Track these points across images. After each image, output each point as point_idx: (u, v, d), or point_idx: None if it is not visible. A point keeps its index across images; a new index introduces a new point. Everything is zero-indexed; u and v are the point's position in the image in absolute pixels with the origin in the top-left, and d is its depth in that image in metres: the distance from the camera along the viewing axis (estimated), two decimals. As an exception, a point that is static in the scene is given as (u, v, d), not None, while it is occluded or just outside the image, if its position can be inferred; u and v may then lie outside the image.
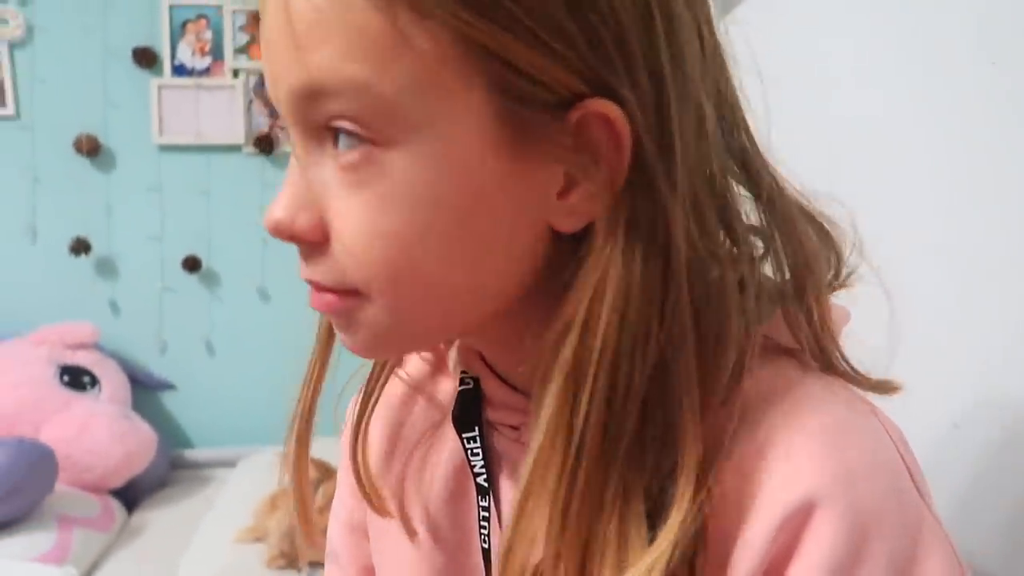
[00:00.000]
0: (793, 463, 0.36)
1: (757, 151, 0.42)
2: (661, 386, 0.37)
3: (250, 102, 2.34)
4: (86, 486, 1.93)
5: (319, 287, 0.39)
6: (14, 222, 2.29)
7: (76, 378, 2.09)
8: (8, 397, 1.96)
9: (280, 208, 0.38)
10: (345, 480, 0.59)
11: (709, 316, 0.37)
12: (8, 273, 2.29)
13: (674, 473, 0.36)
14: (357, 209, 0.36)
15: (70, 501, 1.85)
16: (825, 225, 0.43)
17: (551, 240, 0.39)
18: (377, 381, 0.52)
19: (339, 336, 0.42)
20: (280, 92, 0.37)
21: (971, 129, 0.58)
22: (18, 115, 2.27)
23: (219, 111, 2.33)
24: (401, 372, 0.54)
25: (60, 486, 1.83)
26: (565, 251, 0.38)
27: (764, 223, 0.41)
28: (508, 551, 0.38)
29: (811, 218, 0.43)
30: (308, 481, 0.51)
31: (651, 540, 0.36)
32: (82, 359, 2.14)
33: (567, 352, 0.36)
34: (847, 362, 0.42)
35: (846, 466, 0.36)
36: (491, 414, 0.47)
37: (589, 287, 0.36)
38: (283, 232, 0.38)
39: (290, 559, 1.63)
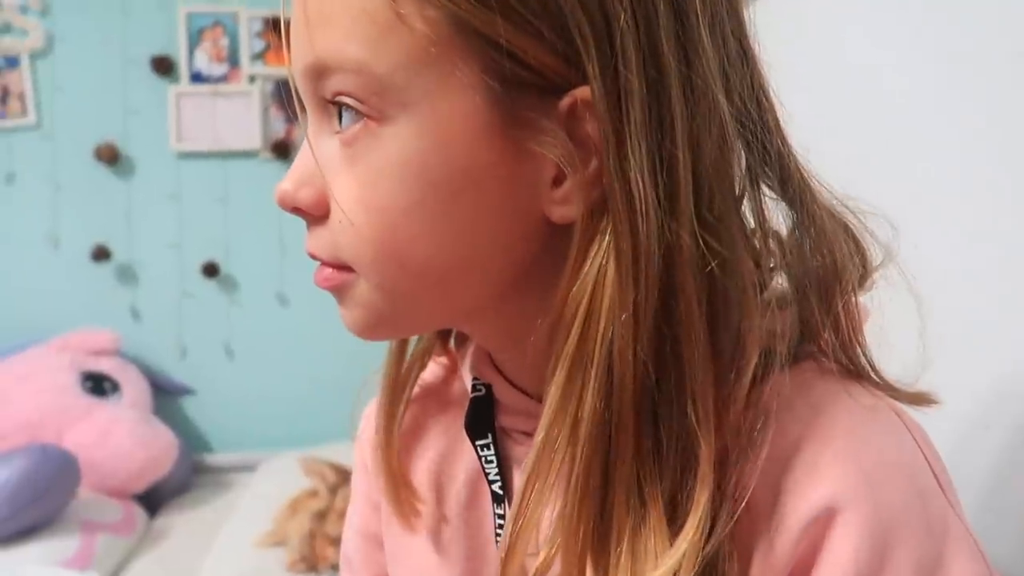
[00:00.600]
0: (815, 468, 0.36)
1: (791, 153, 0.41)
2: (673, 386, 0.36)
3: (267, 108, 2.36)
4: (109, 491, 1.94)
5: (320, 262, 0.41)
6: (36, 230, 2.31)
7: (98, 384, 2.11)
8: (31, 404, 1.98)
9: (287, 180, 0.40)
10: (360, 488, 0.58)
11: (727, 315, 0.37)
12: (30, 280, 2.31)
13: (693, 477, 0.36)
14: (353, 182, 0.38)
15: (93, 506, 1.86)
16: (855, 231, 0.42)
17: (546, 229, 0.38)
18: (403, 389, 0.51)
19: (343, 317, 0.42)
20: (296, 71, 0.39)
21: (996, 125, 0.57)
22: (39, 124, 2.30)
23: (236, 117, 2.34)
24: (425, 373, 0.53)
25: (83, 491, 1.84)
26: (563, 241, 0.37)
27: (794, 227, 0.41)
28: (512, 543, 0.38)
29: (843, 224, 0.42)
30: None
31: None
32: (104, 365, 2.16)
33: (569, 343, 0.36)
34: (876, 371, 0.41)
35: (868, 470, 0.35)
36: (504, 420, 0.47)
37: (585, 279, 0.36)
38: (287, 203, 0.40)
39: (310, 563, 1.63)
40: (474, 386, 0.48)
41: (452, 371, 0.54)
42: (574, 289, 0.36)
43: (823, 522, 0.35)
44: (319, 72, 0.38)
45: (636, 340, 0.35)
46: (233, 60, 2.34)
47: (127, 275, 2.36)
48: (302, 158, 0.40)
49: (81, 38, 2.29)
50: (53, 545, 1.70)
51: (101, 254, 2.31)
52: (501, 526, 0.47)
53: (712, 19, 0.37)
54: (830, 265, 0.40)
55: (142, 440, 1.99)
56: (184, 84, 2.33)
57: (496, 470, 0.47)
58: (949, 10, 0.62)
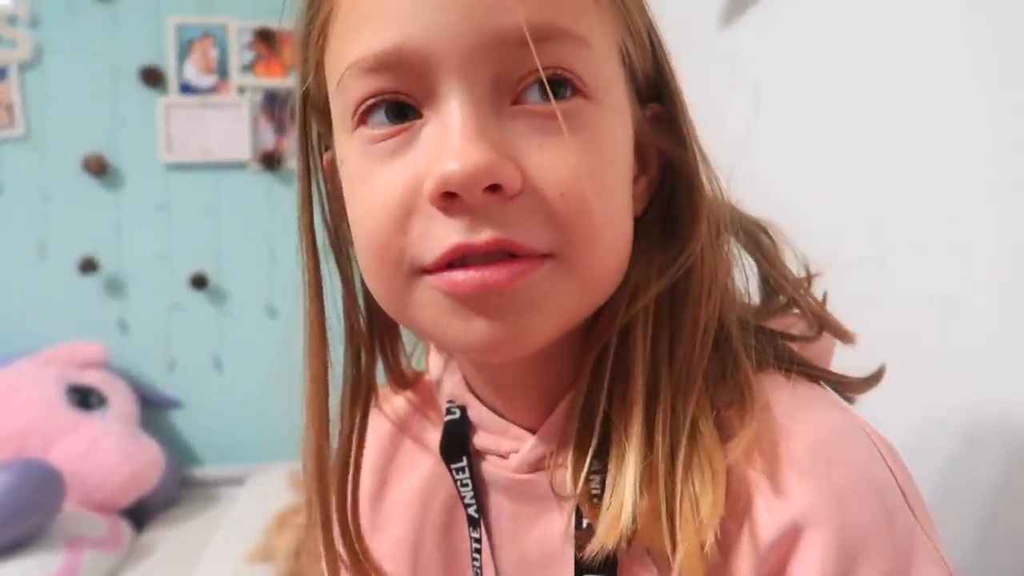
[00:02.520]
0: (784, 485, 0.36)
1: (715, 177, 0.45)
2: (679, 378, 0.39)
3: (256, 119, 2.35)
4: (94, 506, 1.92)
5: (512, 248, 0.35)
6: (24, 241, 2.30)
7: (84, 397, 2.09)
8: (17, 417, 1.96)
9: (480, 151, 0.34)
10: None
11: (715, 310, 0.41)
12: (18, 292, 2.29)
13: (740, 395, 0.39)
14: (568, 153, 0.35)
15: (78, 521, 1.84)
16: (774, 237, 0.46)
17: None
18: (350, 453, 0.49)
19: (477, 333, 0.37)
20: (464, 34, 0.35)
21: (979, 136, 0.58)
22: (28, 135, 2.29)
23: (226, 129, 2.34)
24: (387, 410, 0.53)
25: (68, 506, 1.82)
26: None
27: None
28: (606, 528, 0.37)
29: (764, 230, 0.46)
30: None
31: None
32: (91, 378, 2.14)
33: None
34: (844, 381, 0.44)
35: (836, 488, 0.35)
36: (479, 443, 0.46)
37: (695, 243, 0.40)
38: (491, 176, 0.34)
39: (299, 578, 1.61)
40: (448, 410, 0.48)
41: (423, 403, 0.53)
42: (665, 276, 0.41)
43: (791, 538, 0.35)
44: (548, 36, 0.35)
45: (723, 312, 0.41)
46: (222, 71, 2.34)
47: (115, 287, 2.35)
48: (479, 131, 0.35)
49: (70, 49, 2.29)
50: (37, 561, 1.68)
51: (89, 266, 2.30)
52: (478, 550, 0.46)
53: None
54: (775, 272, 0.45)
55: (128, 454, 1.97)
56: (173, 95, 2.33)
57: (471, 493, 0.46)
58: (931, 18, 0.63)
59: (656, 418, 0.38)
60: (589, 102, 0.37)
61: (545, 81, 0.35)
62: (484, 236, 0.35)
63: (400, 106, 0.37)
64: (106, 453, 1.94)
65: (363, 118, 0.38)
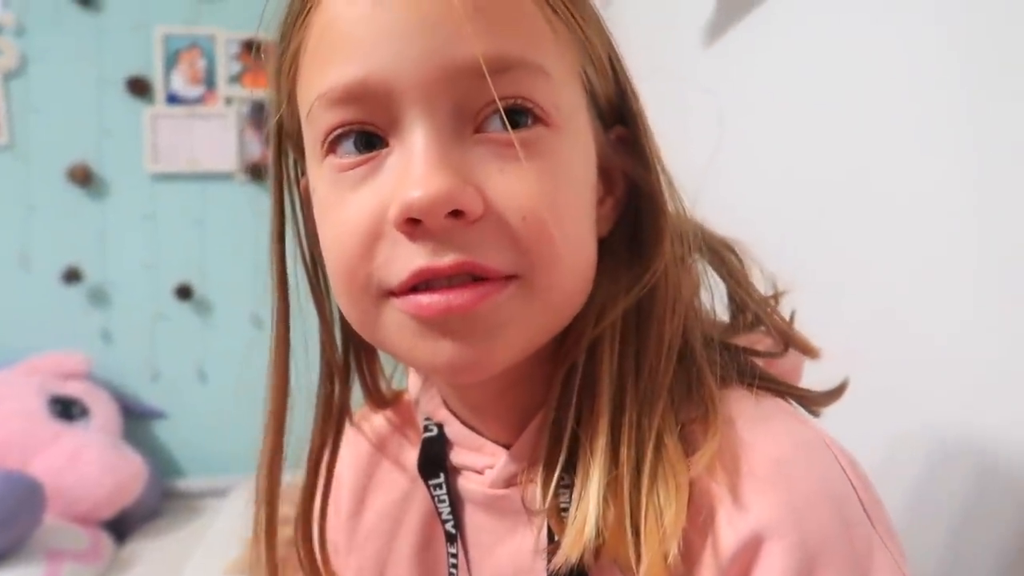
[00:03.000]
0: (744, 497, 0.36)
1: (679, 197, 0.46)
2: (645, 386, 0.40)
3: (243, 130, 2.35)
4: (75, 518, 1.90)
5: (476, 271, 0.36)
6: (7, 251, 2.28)
7: (66, 408, 2.07)
8: (-2, 429, 1.94)
9: (441, 179, 0.35)
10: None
11: (680, 326, 0.41)
12: (0, 302, 2.27)
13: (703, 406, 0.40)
14: (529, 178, 0.37)
15: (59, 534, 1.82)
16: (741, 256, 0.47)
17: None
18: (319, 470, 0.50)
19: (443, 355, 0.38)
20: (425, 66, 0.36)
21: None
22: (12, 144, 2.27)
23: (212, 139, 2.34)
24: (366, 429, 0.54)
25: (49, 518, 1.80)
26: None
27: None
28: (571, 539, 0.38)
29: (731, 249, 0.47)
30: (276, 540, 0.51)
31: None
32: (73, 389, 2.13)
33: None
34: (789, 387, 0.45)
35: (795, 500, 0.36)
36: (456, 459, 0.47)
37: (659, 261, 0.41)
38: (453, 202, 0.35)
39: (282, 591, 1.60)
40: (426, 427, 0.49)
41: (402, 423, 0.54)
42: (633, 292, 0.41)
43: (752, 549, 0.35)
44: (503, 68, 0.36)
45: (687, 331, 0.42)
46: (210, 82, 2.34)
47: (99, 297, 2.33)
48: (440, 159, 0.36)
49: (56, 58, 2.28)
50: (17, 574, 1.66)
51: (73, 276, 2.29)
52: (455, 565, 0.47)
53: None
54: (741, 290, 0.46)
55: (110, 466, 1.95)
56: (160, 105, 2.32)
57: (448, 509, 0.47)
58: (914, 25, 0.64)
59: (622, 432, 0.39)
60: (549, 129, 0.38)
61: (502, 112, 0.36)
62: (447, 260, 0.36)
63: (367, 136, 0.38)
64: (88, 465, 1.93)
65: (332, 147, 0.39)
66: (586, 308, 0.41)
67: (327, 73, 0.38)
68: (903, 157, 0.64)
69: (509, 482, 0.44)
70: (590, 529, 0.36)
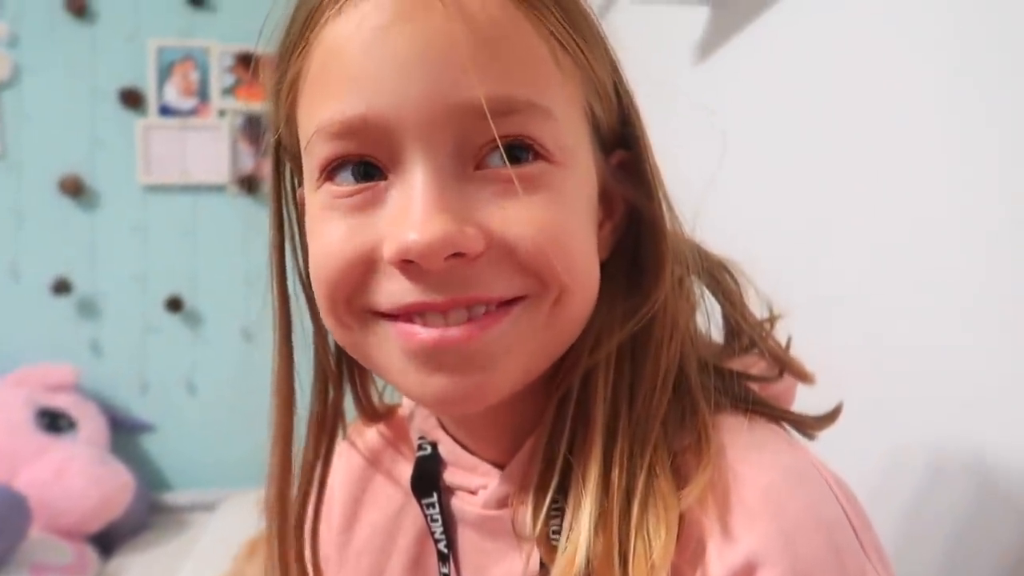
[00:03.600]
0: (736, 523, 0.36)
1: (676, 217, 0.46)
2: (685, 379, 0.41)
3: (235, 142, 2.35)
4: (61, 532, 1.88)
5: (476, 302, 0.36)
6: (-4, 262, 2.27)
7: (54, 421, 2.05)
8: (-17, 440, 1.92)
9: (442, 223, 0.35)
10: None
11: (676, 355, 0.41)
12: (-12, 313, 2.26)
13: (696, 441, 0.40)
14: (533, 209, 0.37)
15: (44, 548, 1.80)
16: (737, 278, 0.47)
17: None
18: (314, 467, 0.50)
19: (433, 387, 0.38)
20: (425, 105, 0.35)
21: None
22: (4, 155, 2.27)
23: (205, 151, 2.34)
24: (359, 443, 0.54)
25: (34, 532, 1.78)
26: None
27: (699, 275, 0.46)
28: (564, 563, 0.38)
29: (728, 270, 0.47)
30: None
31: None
32: (61, 401, 2.11)
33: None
34: (784, 412, 0.45)
35: (787, 526, 0.36)
36: (449, 479, 0.47)
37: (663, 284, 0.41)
38: (452, 246, 0.35)
39: (270, 606, 1.58)
40: (419, 446, 0.49)
41: (395, 437, 0.54)
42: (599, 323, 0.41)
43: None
44: (507, 109, 0.35)
45: (683, 358, 0.41)
46: (203, 94, 2.34)
47: (89, 308, 2.32)
48: (438, 199, 0.35)
49: (49, 69, 2.28)
50: (0, 588, 1.64)
51: (62, 287, 2.27)
52: None
53: None
54: (737, 313, 0.46)
55: (97, 479, 1.93)
56: (152, 117, 2.32)
57: (441, 528, 0.47)
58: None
59: (613, 462, 0.38)
60: (552, 165, 0.37)
61: (503, 152, 0.36)
62: (443, 297, 0.36)
63: (367, 165, 0.37)
64: (74, 478, 1.91)
65: (330, 176, 0.38)
66: (583, 334, 0.41)
67: (327, 105, 0.37)
68: (893, 172, 0.65)
69: (502, 503, 0.44)
70: (580, 560, 0.36)
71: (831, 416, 0.47)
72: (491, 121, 0.34)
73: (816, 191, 0.76)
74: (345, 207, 0.38)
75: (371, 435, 0.55)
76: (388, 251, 0.36)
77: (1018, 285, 0.51)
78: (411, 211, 0.35)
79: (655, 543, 0.36)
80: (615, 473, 0.38)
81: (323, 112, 0.37)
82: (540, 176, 0.37)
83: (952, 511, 0.56)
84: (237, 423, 2.30)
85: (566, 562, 0.37)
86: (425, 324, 0.37)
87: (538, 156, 0.37)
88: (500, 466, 0.45)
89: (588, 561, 0.36)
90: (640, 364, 0.41)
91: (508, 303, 0.37)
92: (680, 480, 0.38)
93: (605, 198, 0.42)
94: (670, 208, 0.43)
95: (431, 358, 0.37)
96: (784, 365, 0.45)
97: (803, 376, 0.46)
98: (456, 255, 0.35)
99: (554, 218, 0.37)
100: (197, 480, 2.34)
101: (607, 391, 0.40)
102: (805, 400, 0.47)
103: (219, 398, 2.36)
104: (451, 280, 0.36)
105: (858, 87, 0.70)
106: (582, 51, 0.39)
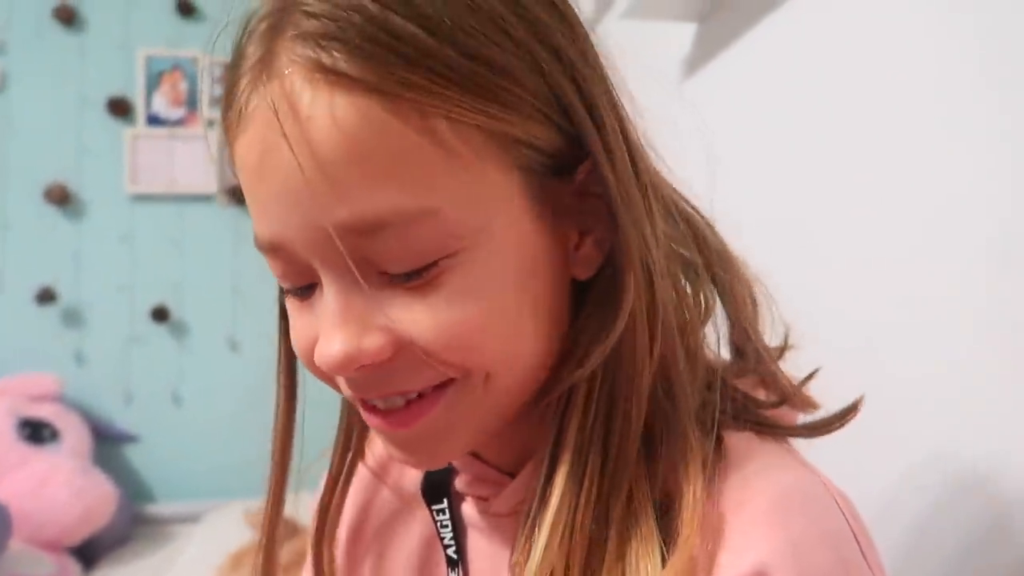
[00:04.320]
0: (746, 536, 0.36)
1: (703, 218, 0.45)
2: (665, 433, 0.39)
3: (224, 152, 2.35)
4: (42, 544, 1.86)
5: (402, 395, 0.38)
6: (-21, 270, 2.25)
7: (36, 431, 2.03)
8: (-36, 451, 1.90)
9: (339, 341, 0.36)
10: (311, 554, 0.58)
11: (696, 369, 0.40)
12: (-30, 322, 2.24)
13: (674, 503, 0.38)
14: (437, 308, 0.36)
15: (24, 560, 1.78)
16: (759, 294, 0.46)
17: (571, 292, 0.41)
18: (339, 477, 0.51)
19: (396, 455, 0.41)
20: (306, 231, 0.35)
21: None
22: (-12, 163, 2.25)
23: (193, 161, 2.33)
24: (368, 454, 0.54)
25: (14, 544, 1.76)
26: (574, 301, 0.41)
27: (709, 287, 0.44)
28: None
29: (750, 286, 0.46)
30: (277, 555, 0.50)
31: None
32: (43, 411, 2.09)
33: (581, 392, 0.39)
34: (793, 428, 0.44)
35: (795, 539, 0.36)
36: (460, 485, 0.47)
37: (601, 329, 0.39)
38: (354, 363, 0.36)
39: (254, 619, 1.57)
40: None
41: None
42: (612, 332, 0.38)
43: None
44: (368, 230, 0.34)
45: (650, 383, 0.39)
46: (192, 104, 2.34)
47: (73, 318, 2.30)
48: (335, 314, 0.36)
49: (37, 77, 2.27)
50: (-21, 601, 1.62)
51: (46, 296, 2.25)
52: None
53: (624, 108, 0.42)
54: (747, 327, 0.45)
55: (79, 490, 1.91)
56: (140, 126, 2.31)
57: (451, 534, 0.47)
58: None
59: (583, 483, 0.38)
60: (453, 257, 0.36)
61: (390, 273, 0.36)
62: (372, 394, 0.39)
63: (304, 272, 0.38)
64: (56, 489, 1.89)
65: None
66: (571, 350, 0.40)
67: (253, 217, 0.38)
68: (879, 188, 0.65)
69: (513, 510, 0.44)
70: (530, 570, 0.37)
71: (840, 417, 0.46)
72: (364, 240, 0.35)
73: (802, 206, 0.77)
74: (296, 303, 0.40)
75: (378, 443, 0.55)
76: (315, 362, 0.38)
77: None
78: (323, 324, 0.37)
79: (642, 565, 0.36)
80: (583, 495, 0.38)
81: (253, 221, 0.39)
82: (440, 275, 0.36)
83: (957, 530, 0.56)
84: (222, 434, 2.30)
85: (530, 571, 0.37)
86: (370, 412, 0.40)
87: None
88: (512, 473, 0.45)
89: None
90: (616, 381, 0.39)
91: (441, 385, 0.38)
92: (672, 503, 0.38)
93: (577, 216, 0.39)
94: (638, 213, 0.39)
95: (386, 436, 0.40)
96: (786, 398, 0.44)
97: (808, 407, 0.46)
98: (369, 363, 0.36)
99: (458, 315, 0.36)
100: (181, 491, 2.32)
101: (587, 406, 0.39)
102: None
103: (204, 409, 2.34)
104: (369, 382, 0.38)
105: (845, 102, 0.71)
106: (490, 104, 0.35)
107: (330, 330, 0.36)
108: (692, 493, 0.37)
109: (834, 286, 0.71)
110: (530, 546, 0.38)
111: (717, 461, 0.39)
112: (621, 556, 0.37)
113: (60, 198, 2.26)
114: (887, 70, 0.65)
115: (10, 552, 1.74)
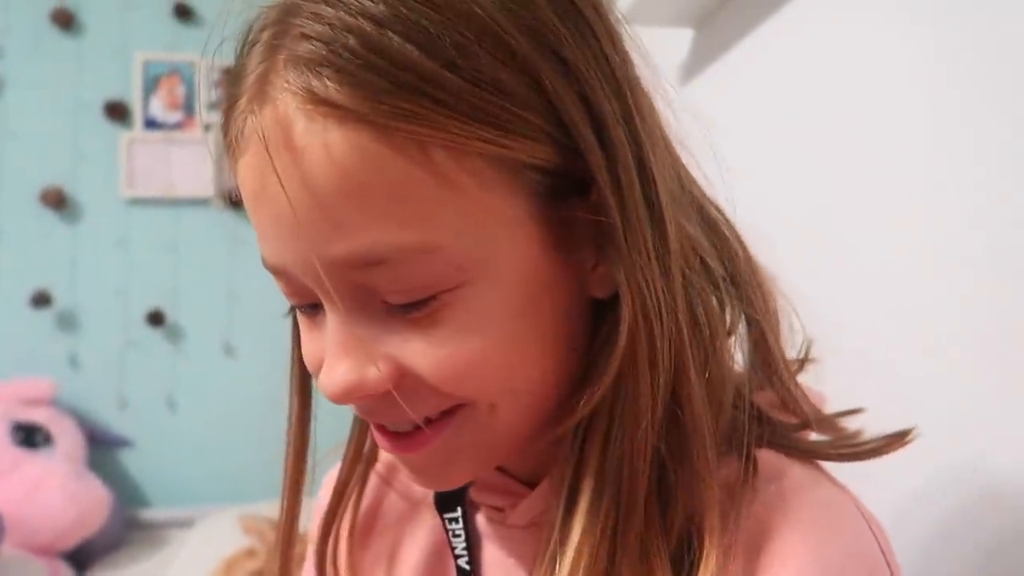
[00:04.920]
0: (780, 556, 0.36)
1: (729, 225, 0.44)
2: (680, 457, 0.38)
3: (221, 157, 2.34)
4: (35, 549, 1.85)
5: (408, 423, 0.38)
6: (-26, 274, 2.24)
7: (30, 435, 2.02)
8: (-43, 455, 1.89)
9: (343, 372, 0.36)
10: (314, 558, 0.57)
11: (720, 391, 0.39)
12: (-36, 326, 2.23)
13: (696, 534, 0.37)
14: (437, 342, 0.35)
15: (16, 565, 1.77)
16: (785, 305, 0.45)
17: (590, 310, 0.39)
18: (348, 483, 0.51)
19: (409, 474, 0.41)
20: (303, 263, 0.35)
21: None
22: (-15, 166, 2.25)
23: (189, 165, 2.33)
24: (378, 465, 0.54)
25: (7, 549, 1.75)
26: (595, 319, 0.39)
27: (735, 299, 0.43)
28: None
29: (775, 299, 0.45)
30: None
31: None
32: (37, 416, 2.08)
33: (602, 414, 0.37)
34: (837, 447, 0.43)
35: (829, 559, 0.36)
36: (475, 495, 0.47)
37: (618, 348, 0.36)
38: (356, 393, 0.36)
39: (247, 625, 1.56)
40: None
41: None
42: (609, 356, 0.37)
43: None
44: (364, 265, 0.34)
45: (653, 404, 0.37)
46: (189, 108, 2.34)
47: (68, 322, 2.29)
48: (338, 343, 0.36)
49: (34, 81, 2.27)
50: (-29, 607, 1.61)
51: (41, 300, 2.25)
52: None
53: (651, 112, 0.40)
54: (772, 340, 0.43)
55: (72, 495, 1.90)
56: (137, 130, 2.31)
57: (463, 544, 0.47)
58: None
59: (601, 502, 0.37)
60: (454, 291, 0.34)
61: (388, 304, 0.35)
62: (378, 420, 0.39)
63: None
64: (49, 495, 1.88)
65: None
66: (590, 368, 0.38)
67: (257, 237, 0.38)
68: (875, 193, 0.66)
69: (532, 521, 0.44)
70: None
71: (889, 443, 0.44)
72: (363, 274, 0.34)
73: (798, 212, 0.77)
74: (305, 319, 0.40)
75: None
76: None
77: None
78: (327, 351, 0.37)
79: None
80: (602, 515, 0.37)
81: (260, 245, 0.38)
82: (439, 308, 0.35)
83: (976, 541, 0.56)
84: (217, 439, 2.29)
85: None
86: (380, 429, 0.39)
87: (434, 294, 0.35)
88: (530, 484, 0.44)
89: None
90: (627, 399, 0.38)
91: (449, 411, 0.38)
92: (693, 524, 0.37)
93: (596, 235, 0.37)
94: (652, 244, 0.37)
95: (398, 457, 0.40)
96: (808, 424, 0.43)
97: (832, 431, 0.45)
98: (371, 394, 0.36)
99: (457, 350, 0.35)
100: (175, 497, 2.31)
101: (608, 431, 0.38)
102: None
103: (199, 414, 2.33)
104: (375, 409, 0.38)
105: (841, 109, 0.71)
106: (491, 128, 0.33)
107: (332, 360, 0.36)
108: (714, 516, 0.36)
109: (834, 287, 0.71)
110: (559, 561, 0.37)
111: (747, 479, 0.38)
112: None
113: (56, 202, 2.25)
114: (883, 76, 0.65)
115: (3, 557, 1.73)
